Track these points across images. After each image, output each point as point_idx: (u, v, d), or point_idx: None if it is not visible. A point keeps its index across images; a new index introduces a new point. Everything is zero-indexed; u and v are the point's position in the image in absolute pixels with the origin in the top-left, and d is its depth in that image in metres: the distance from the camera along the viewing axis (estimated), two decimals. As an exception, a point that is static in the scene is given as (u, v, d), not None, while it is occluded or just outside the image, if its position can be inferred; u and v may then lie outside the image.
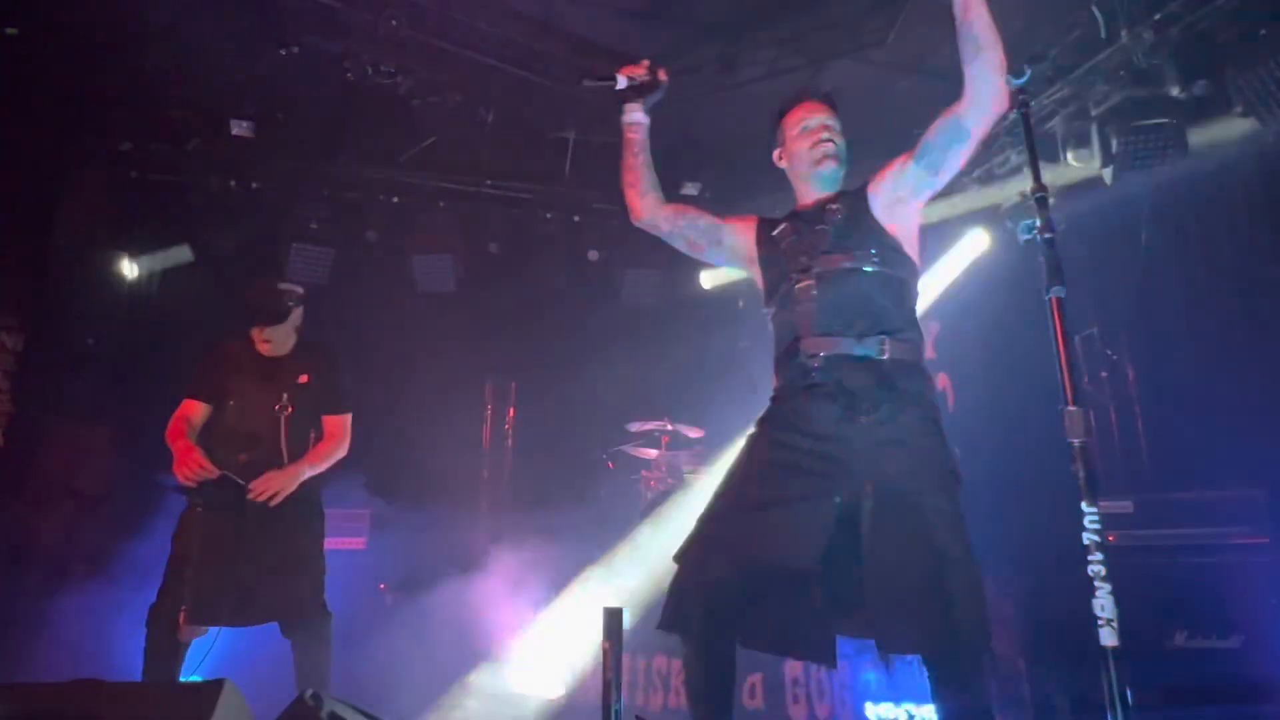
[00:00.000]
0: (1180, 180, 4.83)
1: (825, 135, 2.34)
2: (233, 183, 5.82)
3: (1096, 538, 1.51)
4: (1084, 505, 1.52)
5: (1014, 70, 1.84)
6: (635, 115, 2.42)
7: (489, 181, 6.28)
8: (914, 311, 2.21)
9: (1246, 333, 4.75)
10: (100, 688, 2.10)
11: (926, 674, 1.93)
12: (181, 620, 3.03)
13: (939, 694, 1.91)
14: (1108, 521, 4.88)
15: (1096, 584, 1.48)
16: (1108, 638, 1.43)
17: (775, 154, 2.48)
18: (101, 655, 4.02)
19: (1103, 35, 4.70)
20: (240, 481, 3.13)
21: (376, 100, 5.25)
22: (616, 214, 6.63)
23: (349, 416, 3.46)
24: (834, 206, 2.27)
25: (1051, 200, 1.74)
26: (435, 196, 6.20)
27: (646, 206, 2.44)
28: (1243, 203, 4.72)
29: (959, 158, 2.16)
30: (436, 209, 6.20)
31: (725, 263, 2.50)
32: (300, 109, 5.46)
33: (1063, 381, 1.56)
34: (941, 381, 5.98)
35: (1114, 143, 4.85)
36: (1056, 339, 1.57)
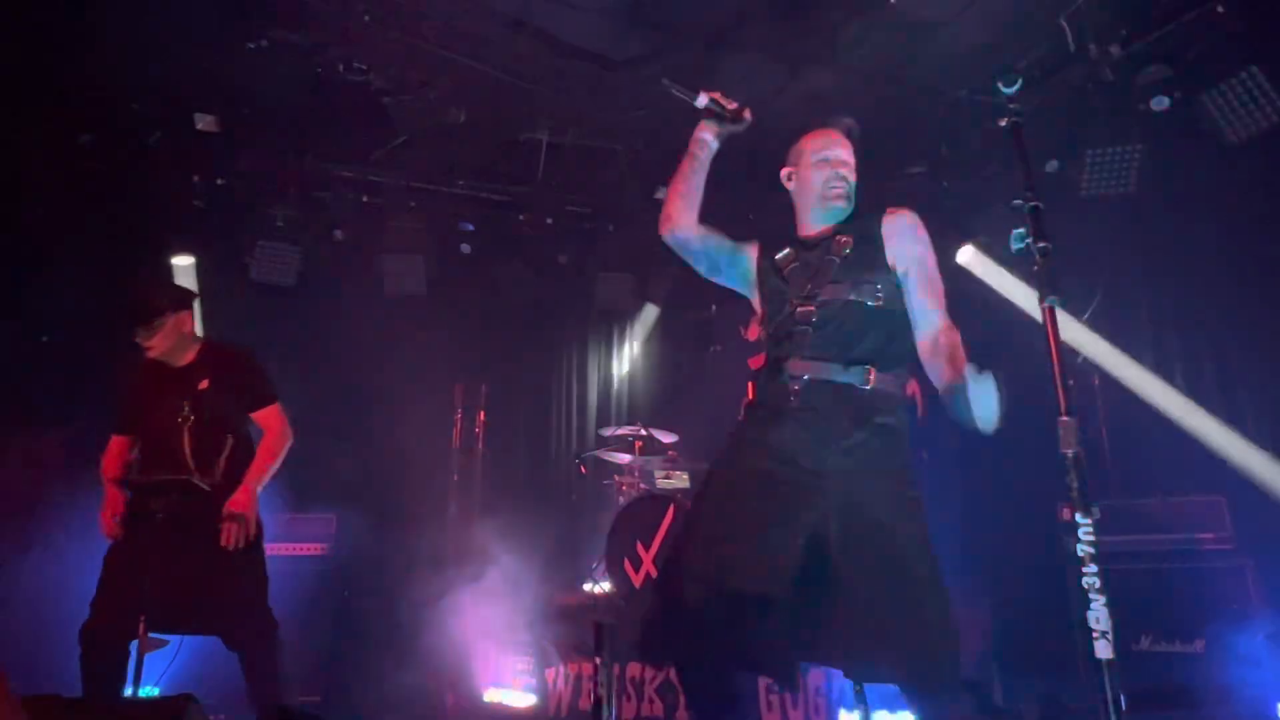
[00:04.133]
0: (1143, 192, 4.93)
1: (842, 173, 2.32)
2: (196, 178, 5.67)
3: (1091, 549, 1.50)
4: (1077, 517, 1.51)
5: (1005, 80, 1.83)
6: (706, 135, 2.40)
7: (461, 182, 6.21)
8: (909, 347, 2.19)
9: (1208, 341, 4.87)
10: (58, 704, 2.02)
11: (904, 698, 1.93)
12: (141, 632, 2.95)
13: (918, 715, 1.91)
14: (1073, 528, 4.93)
15: (1091, 596, 1.46)
16: (1103, 650, 1.42)
17: (784, 172, 2.43)
18: (56, 672, 3.89)
19: (1071, 49, 4.78)
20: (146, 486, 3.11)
21: (347, 97, 5.15)
22: (589, 217, 6.63)
23: (277, 406, 3.41)
24: (843, 238, 2.25)
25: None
26: (406, 196, 6.11)
27: (687, 222, 2.38)
28: (1205, 216, 4.83)
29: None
30: (407, 209, 6.11)
31: (733, 284, 2.46)
32: (268, 104, 5.32)
33: (1056, 392, 1.55)
34: (911, 388, 6.01)
35: (1082, 156, 4.95)
36: (1050, 348, 1.56)
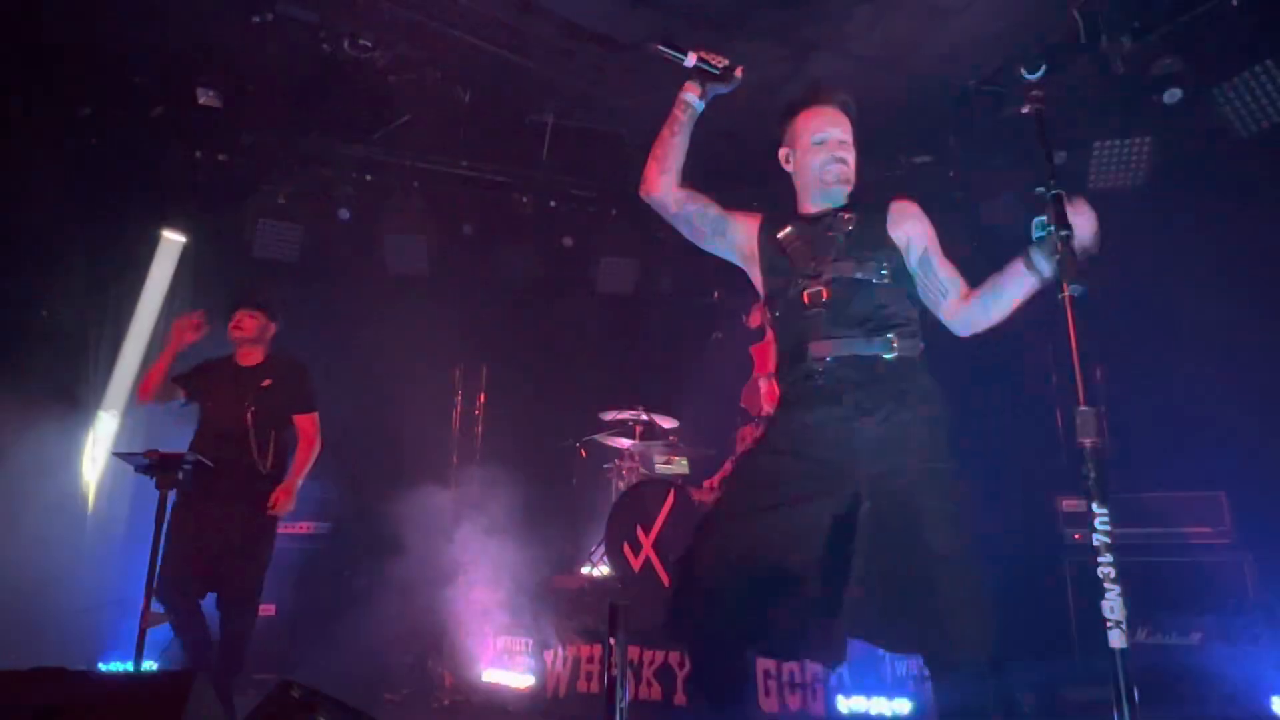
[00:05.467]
0: (1147, 184, 4.92)
1: (840, 154, 2.25)
2: (198, 153, 5.62)
3: (1107, 539, 1.50)
4: (1094, 506, 1.50)
5: (1029, 65, 1.81)
6: (690, 96, 2.32)
7: (464, 162, 6.17)
8: (919, 315, 2.20)
9: (1210, 336, 4.86)
10: (63, 676, 2.01)
11: (929, 673, 1.94)
12: (144, 607, 2.99)
13: (937, 693, 1.92)
14: (1073, 520, 4.92)
15: (1106, 586, 1.46)
16: (1117, 640, 1.42)
17: (781, 153, 2.37)
18: (60, 643, 3.91)
19: (1082, 40, 4.75)
20: (209, 464, 3.41)
21: (352, 74, 5.11)
22: (593, 200, 6.59)
23: (314, 415, 3.94)
24: (846, 214, 2.22)
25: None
26: (409, 176, 6.07)
27: (663, 183, 2.32)
28: (1209, 208, 4.82)
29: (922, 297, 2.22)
30: (410, 188, 6.07)
31: (724, 254, 2.41)
32: (271, 79, 5.27)
33: (1075, 381, 1.54)
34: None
35: (1090, 146, 4.93)
36: (1070, 338, 1.56)
